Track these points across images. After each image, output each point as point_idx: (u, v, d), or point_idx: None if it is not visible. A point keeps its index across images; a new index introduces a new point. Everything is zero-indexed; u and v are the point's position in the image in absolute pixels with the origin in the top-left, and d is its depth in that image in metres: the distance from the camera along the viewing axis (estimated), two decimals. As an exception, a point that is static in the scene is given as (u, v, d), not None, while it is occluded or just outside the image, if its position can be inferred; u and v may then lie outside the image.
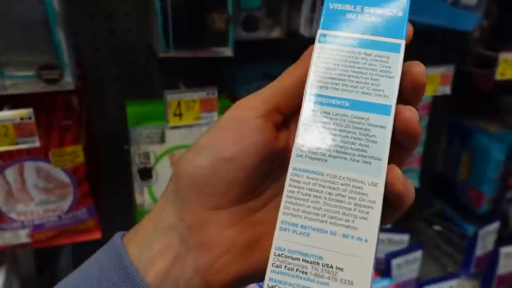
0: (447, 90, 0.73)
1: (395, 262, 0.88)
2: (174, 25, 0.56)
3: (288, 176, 0.24)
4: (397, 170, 0.24)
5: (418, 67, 0.25)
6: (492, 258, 0.92)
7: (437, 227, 1.08)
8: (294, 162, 0.24)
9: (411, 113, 0.24)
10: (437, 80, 0.71)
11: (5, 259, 0.71)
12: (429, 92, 0.73)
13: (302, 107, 0.25)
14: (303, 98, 0.25)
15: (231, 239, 0.26)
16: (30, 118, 0.50)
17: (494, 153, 0.97)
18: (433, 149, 1.10)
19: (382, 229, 0.95)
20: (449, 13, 0.70)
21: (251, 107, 0.26)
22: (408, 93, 0.25)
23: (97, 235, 0.69)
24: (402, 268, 0.90)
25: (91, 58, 0.79)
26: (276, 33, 0.69)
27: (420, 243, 0.92)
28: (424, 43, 0.91)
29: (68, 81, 0.53)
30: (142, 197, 0.67)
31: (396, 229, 0.97)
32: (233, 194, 0.26)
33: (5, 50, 0.51)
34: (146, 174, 0.66)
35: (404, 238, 0.95)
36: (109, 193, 0.81)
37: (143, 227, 0.27)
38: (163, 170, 0.66)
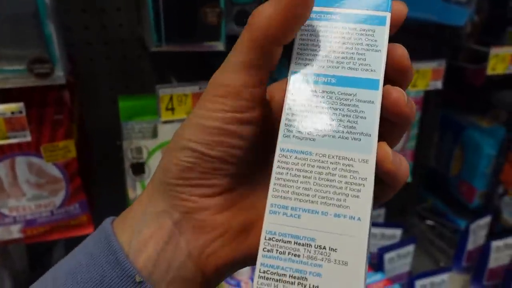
0: (438, 85, 0.73)
1: (387, 256, 0.89)
2: (166, 19, 0.55)
3: (276, 158, 0.23)
4: (386, 147, 0.23)
5: (399, 50, 0.24)
6: (484, 251, 0.92)
7: (429, 222, 1.09)
8: (281, 143, 0.23)
9: (398, 93, 0.23)
10: (428, 75, 0.71)
11: (-3, 254, 0.71)
12: (421, 87, 0.73)
13: (287, 86, 0.24)
14: (288, 78, 0.24)
15: (225, 222, 0.26)
16: (21, 112, 0.50)
17: (486, 148, 0.98)
18: (425, 144, 1.10)
19: (374, 224, 0.96)
20: (441, 8, 0.70)
21: (238, 97, 0.24)
22: (392, 75, 0.24)
23: (89, 230, 0.69)
24: (395, 262, 0.90)
25: (83, 53, 0.79)
26: (268, 28, 0.69)
27: (413, 237, 0.92)
28: (415, 38, 0.91)
29: (59, 75, 0.52)
30: (135, 192, 0.67)
31: (389, 224, 0.98)
32: (223, 183, 0.26)
33: (-5, 44, 0.50)
34: (139, 169, 0.66)
35: (396, 233, 0.95)
36: (102, 188, 0.81)
37: (133, 212, 0.27)
38: (156, 165, 0.66)
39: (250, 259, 0.26)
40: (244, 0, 0.64)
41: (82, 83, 0.79)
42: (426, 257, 1.05)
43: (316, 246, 0.21)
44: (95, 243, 0.26)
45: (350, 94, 0.23)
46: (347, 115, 0.23)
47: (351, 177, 0.22)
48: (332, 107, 0.23)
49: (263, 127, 0.26)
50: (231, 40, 0.64)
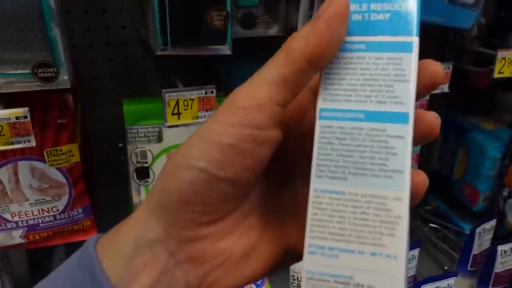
0: (445, 88, 0.73)
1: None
2: (172, 23, 0.55)
3: (310, 198, 0.23)
4: (424, 175, 0.23)
5: (435, 66, 0.24)
6: (490, 255, 0.92)
7: (432, 225, 1.09)
8: (314, 183, 0.23)
9: (434, 118, 0.24)
10: (436, 78, 0.70)
11: (-2, 259, 0.70)
12: (427, 90, 0.72)
13: (315, 124, 0.24)
14: (316, 115, 0.24)
15: (226, 250, 0.24)
16: (26, 117, 0.49)
17: (490, 151, 0.97)
18: (428, 146, 1.10)
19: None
20: (447, 10, 0.70)
21: (260, 111, 0.22)
22: (421, 91, 0.24)
23: (93, 235, 0.68)
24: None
25: (84, 55, 0.78)
26: (273, 31, 0.68)
27: (418, 241, 0.91)
28: (420, 40, 0.91)
29: (64, 79, 0.51)
30: (139, 197, 0.66)
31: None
32: (226, 208, 0.24)
33: (-2, 47, 0.49)
34: (143, 173, 0.65)
35: (400, 236, 0.94)
36: (103, 192, 0.80)
37: (121, 235, 0.25)
38: (160, 169, 0.65)
39: (253, 281, 0.25)
40: (250, 3, 0.64)
41: (83, 85, 0.79)
42: (429, 260, 1.05)
43: (354, 284, 0.22)
44: (79, 269, 0.24)
45: (380, 130, 0.23)
46: (377, 152, 0.23)
47: (385, 215, 0.22)
48: (362, 144, 0.23)
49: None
50: (236, 43, 0.63)
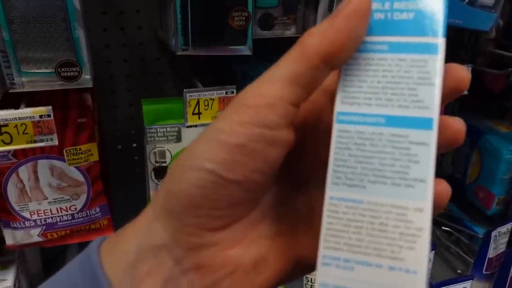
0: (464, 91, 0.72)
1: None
2: (194, 23, 0.55)
3: (325, 206, 0.22)
4: (446, 185, 0.22)
5: (461, 71, 0.23)
6: (506, 259, 0.91)
7: (445, 228, 1.08)
8: (330, 191, 0.22)
9: (460, 125, 0.22)
10: (454, 81, 0.70)
11: (15, 258, 0.70)
12: (445, 92, 0.72)
13: (332, 127, 0.23)
14: (333, 119, 0.23)
15: (235, 259, 0.23)
16: (49, 115, 0.49)
17: (504, 154, 0.96)
18: (442, 149, 1.09)
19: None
20: (466, 12, 0.69)
21: (271, 110, 0.21)
22: (445, 96, 0.23)
23: (110, 234, 0.68)
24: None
25: (101, 55, 0.79)
26: (291, 32, 0.68)
27: (433, 244, 0.91)
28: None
29: (86, 78, 0.52)
30: (157, 196, 0.66)
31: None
32: (235, 213, 0.23)
33: (22, 46, 0.50)
34: (162, 172, 0.65)
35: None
36: (117, 192, 0.80)
37: (125, 241, 0.24)
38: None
39: None
40: (269, 4, 0.64)
41: (99, 85, 0.79)
42: (442, 263, 1.04)
43: None
44: (81, 274, 0.23)
45: (401, 136, 0.21)
46: (398, 159, 0.21)
47: (405, 227, 0.21)
48: (382, 151, 0.22)
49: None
50: (254, 43, 0.63)
